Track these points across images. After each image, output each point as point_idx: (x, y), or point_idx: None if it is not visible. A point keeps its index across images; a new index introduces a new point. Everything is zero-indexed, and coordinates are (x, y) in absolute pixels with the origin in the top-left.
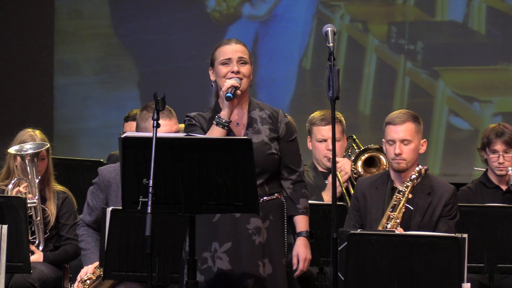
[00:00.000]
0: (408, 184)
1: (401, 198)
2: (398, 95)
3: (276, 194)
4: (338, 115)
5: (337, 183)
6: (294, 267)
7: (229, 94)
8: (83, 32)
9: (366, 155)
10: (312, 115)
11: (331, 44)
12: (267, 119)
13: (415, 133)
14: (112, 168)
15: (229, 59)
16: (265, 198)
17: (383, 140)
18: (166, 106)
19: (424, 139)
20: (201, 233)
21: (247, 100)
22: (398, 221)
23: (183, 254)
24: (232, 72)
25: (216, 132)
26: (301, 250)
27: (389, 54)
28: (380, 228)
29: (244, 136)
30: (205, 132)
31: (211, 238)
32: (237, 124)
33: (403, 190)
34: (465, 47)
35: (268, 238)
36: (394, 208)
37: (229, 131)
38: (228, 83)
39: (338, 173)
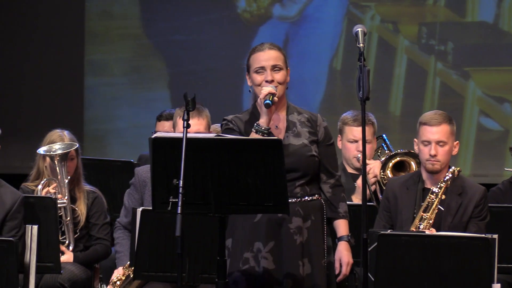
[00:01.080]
0: (442, 185)
1: (434, 199)
2: (428, 96)
3: (316, 195)
4: (371, 117)
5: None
6: (337, 272)
7: (268, 101)
8: (113, 32)
9: (395, 160)
10: (344, 114)
11: (361, 45)
12: (306, 123)
13: (450, 135)
14: (147, 168)
15: (263, 67)
16: (306, 198)
17: (415, 140)
18: (198, 105)
19: (457, 141)
20: (242, 233)
21: (285, 104)
22: (431, 221)
23: (226, 252)
24: (266, 81)
25: None
26: (344, 255)
27: (419, 54)
28: (412, 228)
29: (284, 138)
30: (242, 135)
31: (253, 238)
32: (276, 127)
33: (437, 191)
34: (496, 48)
35: (308, 238)
36: (427, 209)
37: (269, 134)
38: (265, 90)
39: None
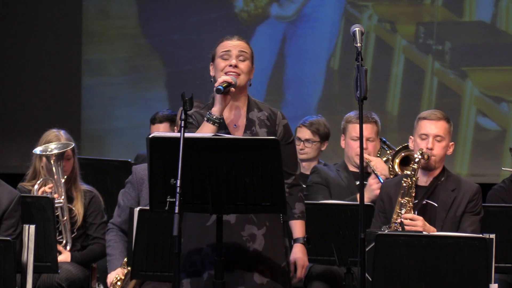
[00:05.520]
0: (414, 166)
1: (410, 182)
2: (426, 96)
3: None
4: (374, 116)
5: (378, 184)
6: (292, 274)
7: (219, 87)
8: (111, 32)
9: (404, 154)
10: (348, 113)
11: (359, 44)
12: (265, 121)
13: (447, 132)
14: (145, 166)
15: (228, 51)
16: None
17: (411, 137)
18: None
19: (452, 142)
20: (193, 235)
21: (245, 100)
22: (411, 204)
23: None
24: (230, 66)
25: (206, 129)
26: (299, 257)
27: (417, 54)
28: (394, 216)
29: None
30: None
31: (203, 242)
32: (235, 126)
33: (410, 174)
34: (493, 47)
35: (266, 245)
36: (404, 194)
37: (227, 133)
38: (221, 78)
39: (375, 172)
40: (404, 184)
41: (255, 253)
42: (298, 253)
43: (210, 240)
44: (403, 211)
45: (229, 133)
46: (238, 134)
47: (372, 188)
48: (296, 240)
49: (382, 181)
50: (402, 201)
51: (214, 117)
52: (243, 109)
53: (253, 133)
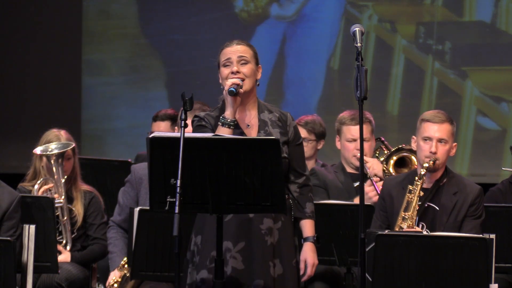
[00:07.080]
0: (418, 182)
1: (413, 198)
2: (426, 96)
3: (286, 196)
4: (368, 115)
5: (374, 192)
6: (302, 272)
7: (231, 89)
8: (111, 32)
9: (399, 155)
10: (341, 114)
11: (359, 44)
12: (277, 122)
13: (451, 135)
14: (144, 165)
15: (229, 59)
16: None
17: (413, 137)
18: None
19: (455, 143)
20: (211, 231)
21: (255, 101)
22: (413, 220)
23: (188, 254)
24: (232, 73)
25: (222, 132)
26: (309, 256)
27: (417, 54)
28: (396, 229)
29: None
30: (213, 132)
31: (223, 237)
32: (248, 126)
33: (414, 189)
34: (493, 47)
35: (279, 239)
36: (407, 208)
37: (241, 133)
38: (229, 81)
39: (372, 179)
40: (408, 199)
41: (271, 246)
42: (308, 251)
43: (229, 235)
44: (404, 226)
45: (242, 133)
46: (252, 133)
47: (369, 196)
48: (306, 239)
49: (378, 190)
50: (404, 215)
51: (229, 120)
52: (254, 111)
53: (267, 133)
